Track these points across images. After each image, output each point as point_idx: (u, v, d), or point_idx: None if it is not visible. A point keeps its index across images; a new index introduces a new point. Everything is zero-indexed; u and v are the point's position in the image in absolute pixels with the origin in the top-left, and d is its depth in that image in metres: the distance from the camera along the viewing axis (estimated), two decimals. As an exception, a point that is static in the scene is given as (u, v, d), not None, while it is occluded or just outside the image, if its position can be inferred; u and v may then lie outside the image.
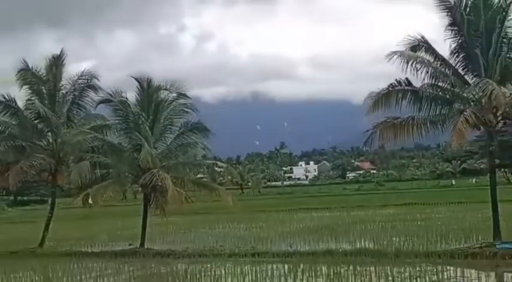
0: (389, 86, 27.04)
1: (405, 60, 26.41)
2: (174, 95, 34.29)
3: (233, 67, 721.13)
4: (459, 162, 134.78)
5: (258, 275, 22.99)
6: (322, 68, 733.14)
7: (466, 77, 27.15)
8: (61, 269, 27.89)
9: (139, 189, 36.33)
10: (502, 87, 25.55)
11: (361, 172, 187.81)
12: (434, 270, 22.40)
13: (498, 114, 26.50)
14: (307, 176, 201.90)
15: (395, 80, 27.03)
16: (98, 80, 37.59)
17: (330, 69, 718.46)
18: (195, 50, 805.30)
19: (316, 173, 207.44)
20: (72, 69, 38.83)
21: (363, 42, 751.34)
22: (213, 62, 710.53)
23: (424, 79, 26.80)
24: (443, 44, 27.21)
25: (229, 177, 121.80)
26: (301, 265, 23.84)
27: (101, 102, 35.48)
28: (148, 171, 32.16)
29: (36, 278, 26.10)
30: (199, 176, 39.68)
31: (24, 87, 37.09)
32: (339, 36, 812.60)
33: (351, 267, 22.67)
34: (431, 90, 27.07)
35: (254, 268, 24.24)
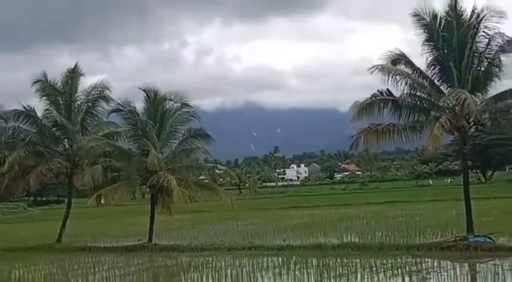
0: (372, 96, 27.09)
1: (386, 73, 26.52)
2: (178, 104, 34.29)
3: (229, 79, 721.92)
4: (435, 164, 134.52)
5: (255, 267, 23.00)
6: (309, 80, 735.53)
7: (441, 87, 27.25)
8: (77, 262, 27.89)
9: (147, 189, 36.26)
10: (473, 96, 25.65)
11: (347, 173, 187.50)
12: (414, 261, 22.44)
13: (470, 120, 26.64)
14: (298, 177, 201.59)
15: (378, 90, 27.09)
16: (109, 91, 37.62)
17: (316, 80, 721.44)
18: (195, 64, 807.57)
19: (306, 175, 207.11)
20: (86, 81, 38.81)
21: (345, 56, 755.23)
22: (211, 75, 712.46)
23: (403, 89, 26.94)
24: (420, 58, 27.37)
25: (228, 178, 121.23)
26: (294, 257, 23.84)
27: (112, 111, 35.47)
28: (155, 173, 32.12)
29: (54, 270, 26.07)
30: (201, 177, 39.61)
31: (43, 98, 37.14)
32: (324, 51, 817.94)
33: (339, 260, 22.70)
34: (410, 100, 27.15)
35: (251, 260, 24.27)
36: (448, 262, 22.81)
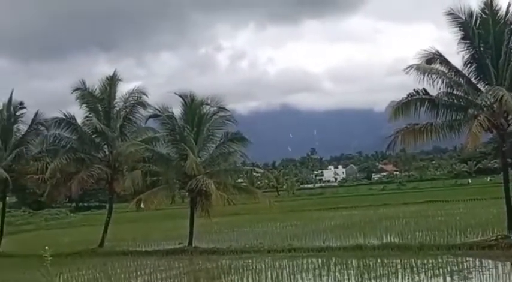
0: (408, 96, 26.94)
1: (422, 72, 26.35)
2: (215, 109, 34.49)
3: (263, 82, 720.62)
4: (474, 162, 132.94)
5: (295, 268, 23.01)
6: (343, 81, 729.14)
7: (478, 85, 26.98)
8: (119, 266, 28.21)
9: (186, 193, 36.56)
10: (511, 93, 25.31)
11: (385, 174, 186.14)
12: (455, 261, 22.23)
13: (509, 118, 26.29)
14: (336, 179, 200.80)
15: (414, 90, 26.91)
16: (146, 97, 37.98)
17: (350, 82, 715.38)
18: (229, 68, 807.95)
19: (344, 176, 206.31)
20: (124, 88, 39.25)
21: (379, 57, 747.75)
22: (246, 79, 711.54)
23: (440, 88, 26.74)
24: (456, 56, 27.14)
25: (266, 181, 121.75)
26: (333, 259, 23.79)
27: (150, 117, 35.83)
28: (194, 177, 32.35)
29: (97, 274, 26.40)
30: (239, 180, 39.87)
31: (83, 105, 37.66)
32: (357, 53, 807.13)
33: (379, 260, 22.58)
34: (447, 98, 26.92)
35: (291, 262, 24.27)
36: (490, 261, 22.54)
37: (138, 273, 25.65)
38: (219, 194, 32.04)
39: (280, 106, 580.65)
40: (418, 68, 26.36)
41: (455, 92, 26.90)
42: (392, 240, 29.35)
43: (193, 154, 32.69)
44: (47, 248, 14.23)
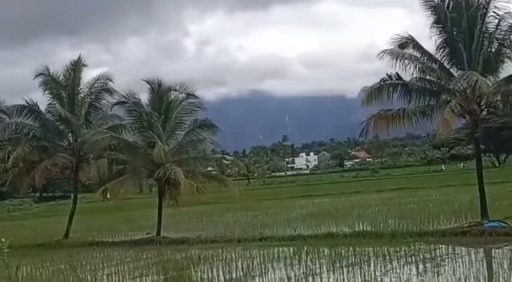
0: (380, 81, 27.09)
1: (394, 57, 26.52)
2: (183, 95, 34.33)
3: (234, 68, 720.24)
4: (447, 148, 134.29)
5: (265, 258, 23.05)
6: (316, 67, 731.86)
7: (451, 70, 27.17)
8: (85, 257, 28.02)
9: (154, 182, 36.38)
10: (484, 78, 25.54)
11: (357, 161, 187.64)
12: (428, 248, 22.44)
13: (482, 103, 26.55)
14: (308, 166, 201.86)
15: (386, 74, 27.06)
16: (112, 83, 37.68)
17: (322, 67, 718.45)
18: (198, 54, 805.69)
19: (316, 163, 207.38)
20: (89, 74, 38.84)
21: (351, 42, 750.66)
22: (215, 65, 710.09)
23: (412, 73, 26.94)
24: (429, 41, 27.30)
25: (237, 169, 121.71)
26: (305, 247, 23.86)
27: (116, 103, 35.55)
28: (161, 166, 32.20)
29: (62, 266, 26.17)
30: (208, 168, 39.76)
31: (46, 92, 37.21)
32: (330, 38, 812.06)
33: (351, 249, 22.69)
34: (419, 84, 27.11)
35: (262, 251, 24.33)
36: (463, 248, 22.80)
37: (105, 264, 25.48)
38: (188, 182, 31.97)
39: (252, 92, 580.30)
40: (391, 52, 26.52)
41: (428, 77, 27.08)
42: (365, 228, 29.56)
43: (161, 141, 32.54)
44: (3, 239, 14.02)
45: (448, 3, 26.81)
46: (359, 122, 28.13)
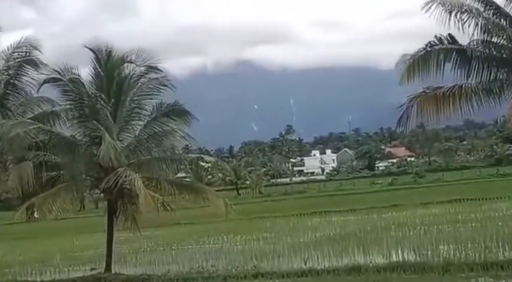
0: (427, 45, 27.02)
1: (447, 10, 26.39)
2: (142, 68, 34.22)
3: (211, 31, 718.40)
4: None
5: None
6: (330, 28, 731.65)
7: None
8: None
9: (102, 195, 36.35)
10: None
11: (394, 161, 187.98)
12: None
13: None
14: (323, 169, 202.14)
15: (435, 36, 27.01)
16: (40, 52, 37.48)
17: (339, 28, 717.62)
18: (161, 10, 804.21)
19: (335, 164, 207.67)
20: (5, 39, 38.68)
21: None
22: (184, 26, 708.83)
23: (473, 34, 26.82)
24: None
25: (220, 174, 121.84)
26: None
27: (45, 81, 35.35)
28: (112, 171, 32.14)
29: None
30: (180, 174, 39.66)
31: None
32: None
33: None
34: (482, 49, 27.08)
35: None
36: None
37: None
38: (150, 194, 31.91)
39: (238, 64, 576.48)
40: (442, 2, 26.42)
41: (494, 39, 27.07)
42: (406, 257, 29.60)
43: (111, 136, 32.46)
44: None
45: None
46: (395, 105, 28.14)
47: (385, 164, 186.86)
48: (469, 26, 26.68)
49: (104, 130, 32.43)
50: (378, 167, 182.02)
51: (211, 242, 44.22)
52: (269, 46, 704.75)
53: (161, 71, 34.51)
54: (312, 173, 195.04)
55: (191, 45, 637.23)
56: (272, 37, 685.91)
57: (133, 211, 32.61)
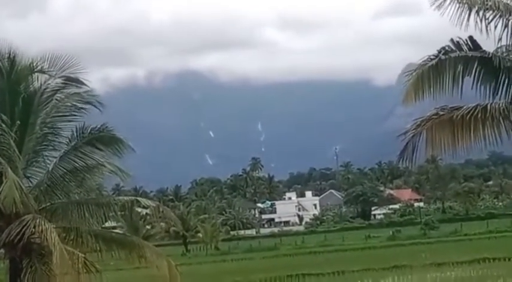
0: (440, 52, 27.18)
1: (466, 6, 26.60)
2: (59, 81, 34.19)
3: (143, 33, 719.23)
4: None
5: None
6: (303, 31, 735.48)
7: None
8: None
9: (2, 251, 36.24)
10: None
11: (397, 207, 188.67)
12: None
13: None
14: (301, 218, 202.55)
15: (451, 40, 27.16)
16: None
17: (319, 30, 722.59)
18: (74, 8, 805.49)
19: (317, 211, 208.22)
20: None
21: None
22: (108, 27, 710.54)
23: (500, 38, 27.05)
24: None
25: (163, 224, 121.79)
26: None
27: None
28: (16, 219, 32.02)
29: None
30: (108, 224, 39.61)
31: None
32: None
33: None
34: (514, 57, 27.32)
35: None
36: None
37: None
38: (68, 250, 31.83)
39: (182, 75, 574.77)
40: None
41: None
42: None
43: (15, 172, 32.36)
44: None
45: None
46: (397, 131, 28.27)
47: (385, 211, 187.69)
48: (495, 28, 26.90)
49: (5, 163, 32.29)
50: (374, 215, 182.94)
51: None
52: (224, 53, 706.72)
53: (84, 84, 34.44)
54: (287, 223, 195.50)
55: (115, 51, 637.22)
56: (228, 41, 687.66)
57: (46, 272, 32.49)
